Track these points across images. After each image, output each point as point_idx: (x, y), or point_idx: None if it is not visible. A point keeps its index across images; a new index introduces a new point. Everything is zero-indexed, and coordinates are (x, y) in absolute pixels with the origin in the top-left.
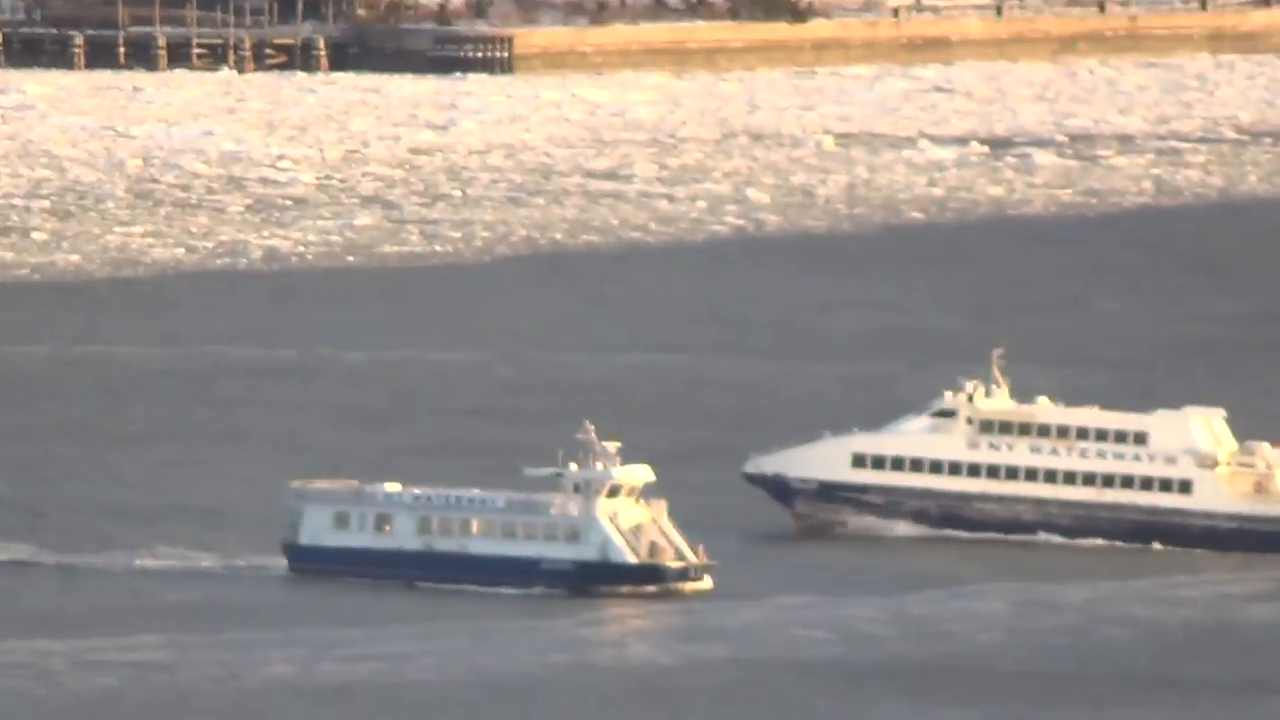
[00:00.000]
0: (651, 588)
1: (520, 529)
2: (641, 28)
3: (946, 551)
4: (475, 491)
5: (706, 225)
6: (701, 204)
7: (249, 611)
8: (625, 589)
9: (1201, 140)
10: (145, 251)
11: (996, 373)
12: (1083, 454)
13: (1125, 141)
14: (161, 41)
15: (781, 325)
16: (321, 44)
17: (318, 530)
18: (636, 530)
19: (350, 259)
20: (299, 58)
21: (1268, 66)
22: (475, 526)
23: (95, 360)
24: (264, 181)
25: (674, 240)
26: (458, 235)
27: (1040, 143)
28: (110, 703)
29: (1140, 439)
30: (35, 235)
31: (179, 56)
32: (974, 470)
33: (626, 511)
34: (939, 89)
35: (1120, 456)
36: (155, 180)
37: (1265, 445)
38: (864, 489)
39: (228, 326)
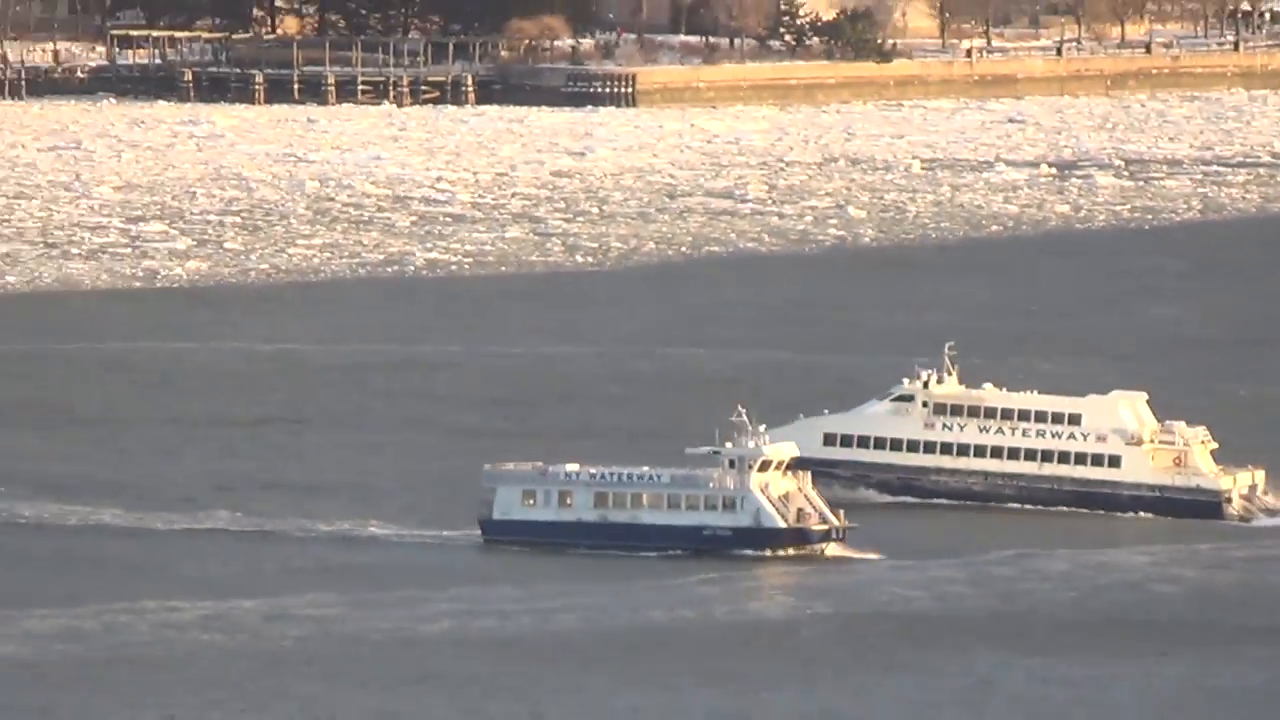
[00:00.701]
0: (799, 549)
1: (684, 500)
2: (748, 66)
3: (992, 521)
4: (643, 469)
5: (812, 237)
6: (807, 219)
7: (426, 573)
8: (776, 551)
9: (1240, 164)
10: (325, 261)
11: (948, 363)
12: (1024, 433)
13: (1174, 165)
14: (331, 79)
15: (875, 323)
16: (469, 81)
17: (508, 506)
18: (785, 498)
19: (502, 268)
20: (450, 93)
21: None
22: (645, 499)
23: (282, 356)
24: (425, 200)
25: (783, 250)
26: (595, 246)
27: (1101, 166)
28: (293, 652)
29: (1075, 420)
30: (228, 246)
31: (346, 92)
32: (929, 448)
33: (776, 483)
34: (1011, 120)
35: (1057, 435)
36: (331, 199)
37: (1182, 424)
38: (833, 464)
39: (398, 326)
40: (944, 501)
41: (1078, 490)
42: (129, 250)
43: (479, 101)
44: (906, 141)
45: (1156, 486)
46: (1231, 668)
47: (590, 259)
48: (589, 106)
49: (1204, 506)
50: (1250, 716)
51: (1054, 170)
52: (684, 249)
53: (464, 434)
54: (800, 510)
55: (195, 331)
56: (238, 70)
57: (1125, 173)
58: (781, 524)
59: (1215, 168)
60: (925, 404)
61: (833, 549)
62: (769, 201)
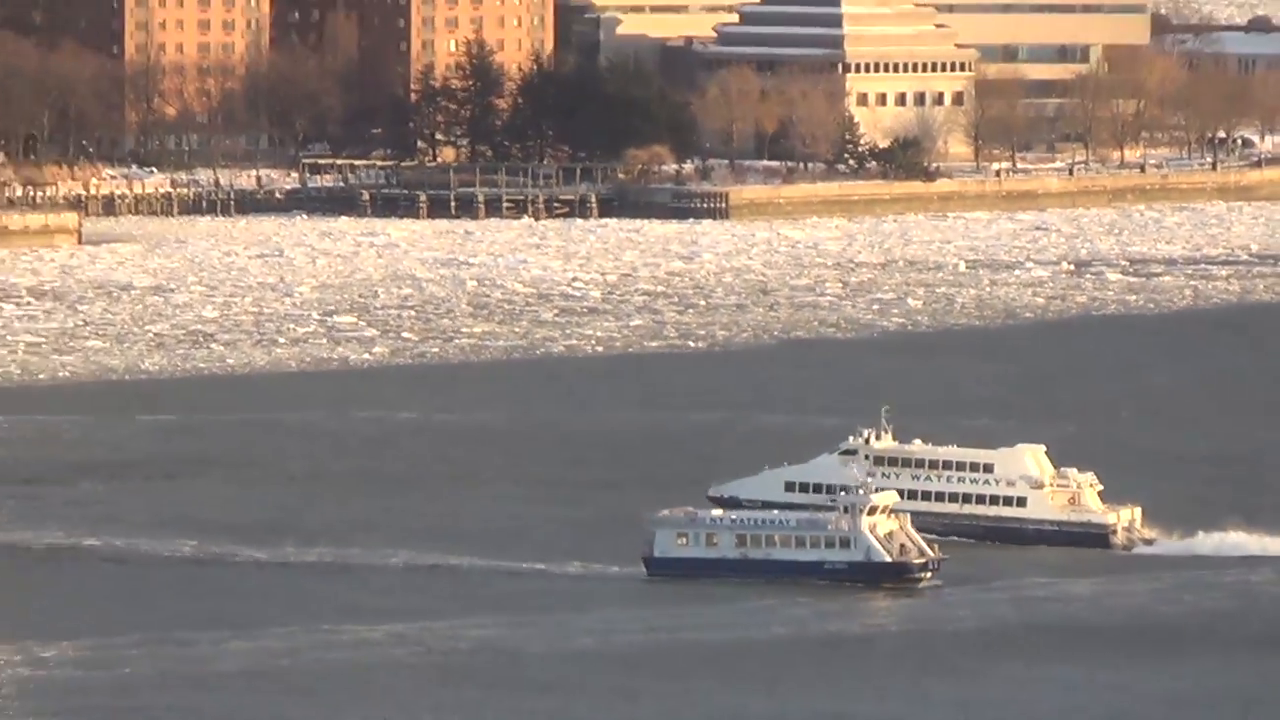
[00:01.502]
0: (902, 580)
1: (808, 540)
2: (819, 185)
3: (990, 555)
4: (774, 514)
5: (877, 324)
6: (874, 308)
7: (589, 599)
8: (884, 583)
9: (1223, 262)
10: (484, 347)
11: (884, 423)
12: (947, 479)
13: (1169, 263)
14: (481, 198)
15: (928, 395)
16: (594, 198)
17: (666, 545)
18: (889, 537)
19: (629, 350)
20: (578, 208)
21: (1264, 210)
22: (777, 539)
23: (450, 424)
24: (564, 296)
25: (855, 335)
26: (703, 333)
27: (1109, 264)
28: (455, 664)
29: (988, 468)
30: (405, 335)
31: (493, 209)
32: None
33: (882, 524)
34: (1035, 227)
35: (974, 481)
36: (487, 296)
37: (1074, 470)
38: (793, 506)
39: (543, 399)
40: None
41: (991, 526)
42: (325, 338)
43: (601, 215)
44: (952, 245)
45: (1055, 522)
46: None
47: (699, 343)
48: (691, 219)
49: (1095, 538)
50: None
51: (1072, 268)
52: (775, 334)
53: (603, 486)
54: (902, 546)
55: (379, 404)
56: (405, 191)
57: (1130, 270)
58: (888, 559)
59: (1202, 265)
60: (867, 456)
61: (929, 579)
62: (843, 295)
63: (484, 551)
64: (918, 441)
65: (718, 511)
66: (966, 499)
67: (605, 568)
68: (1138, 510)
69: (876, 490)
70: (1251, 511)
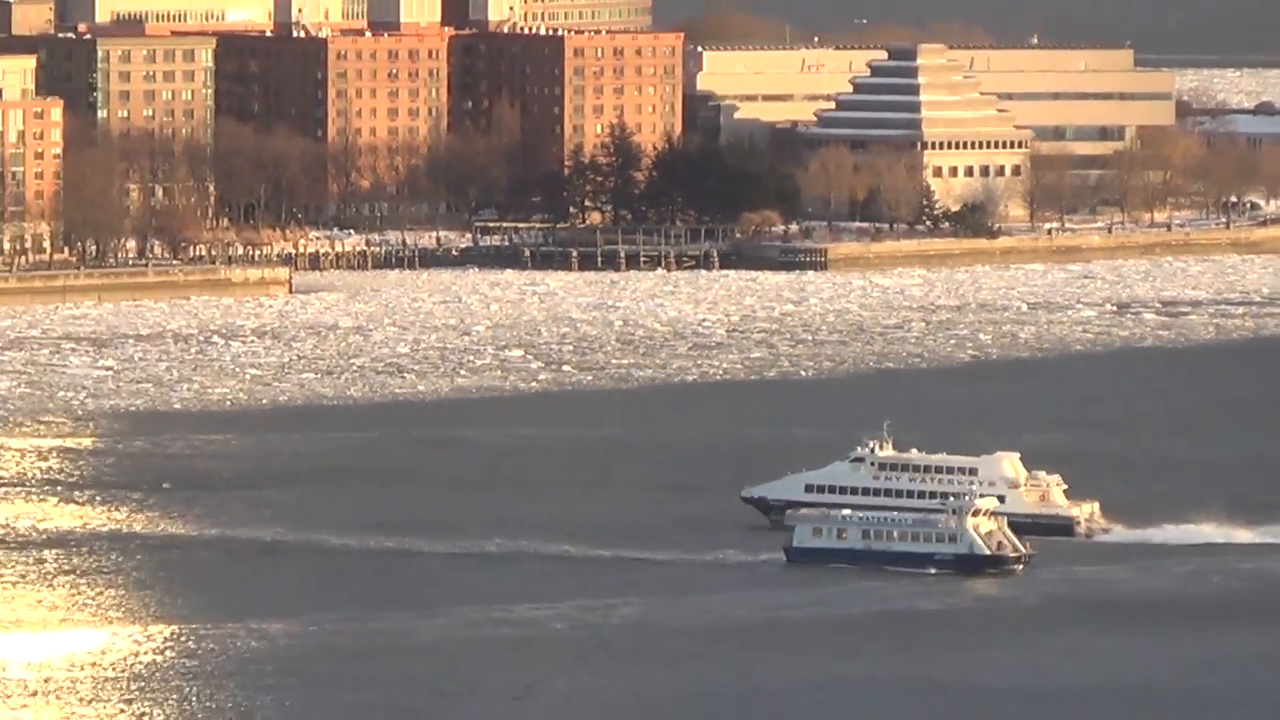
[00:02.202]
0: (999, 571)
1: (921, 536)
2: (902, 242)
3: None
4: (894, 513)
5: (955, 355)
6: (951, 343)
7: (726, 582)
8: (983, 572)
9: (1240, 303)
10: (633, 374)
11: (886, 435)
12: (939, 481)
13: (1196, 304)
14: (622, 254)
15: (989, 412)
16: (716, 254)
17: (803, 538)
18: (989, 535)
19: (752, 378)
20: (703, 262)
21: (1271, 261)
22: (896, 535)
23: (600, 439)
24: (696, 334)
25: (936, 364)
26: (811, 364)
27: (1145, 305)
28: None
29: (973, 471)
30: (565, 367)
31: (633, 262)
32: (878, 492)
33: (983, 524)
34: (1084, 276)
35: (962, 482)
36: (631, 334)
37: (1043, 473)
38: (811, 504)
39: (680, 419)
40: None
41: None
42: (498, 369)
43: (722, 268)
44: (1014, 291)
45: (1029, 515)
46: None
47: (808, 372)
48: (796, 271)
49: (1061, 529)
50: None
51: (1114, 309)
52: (869, 363)
53: (730, 488)
54: (999, 542)
55: (545, 423)
56: (560, 248)
57: (1162, 310)
58: (986, 552)
59: (1222, 306)
60: (873, 463)
61: (1021, 570)
62: (925, 332)
63: (633, 544)
64: (915, 450)
65: (847, 511)
66: (956, 497)
67: (749, 556)
68: (1096, 505)
69: (980, 496)
70: (1227, 506)
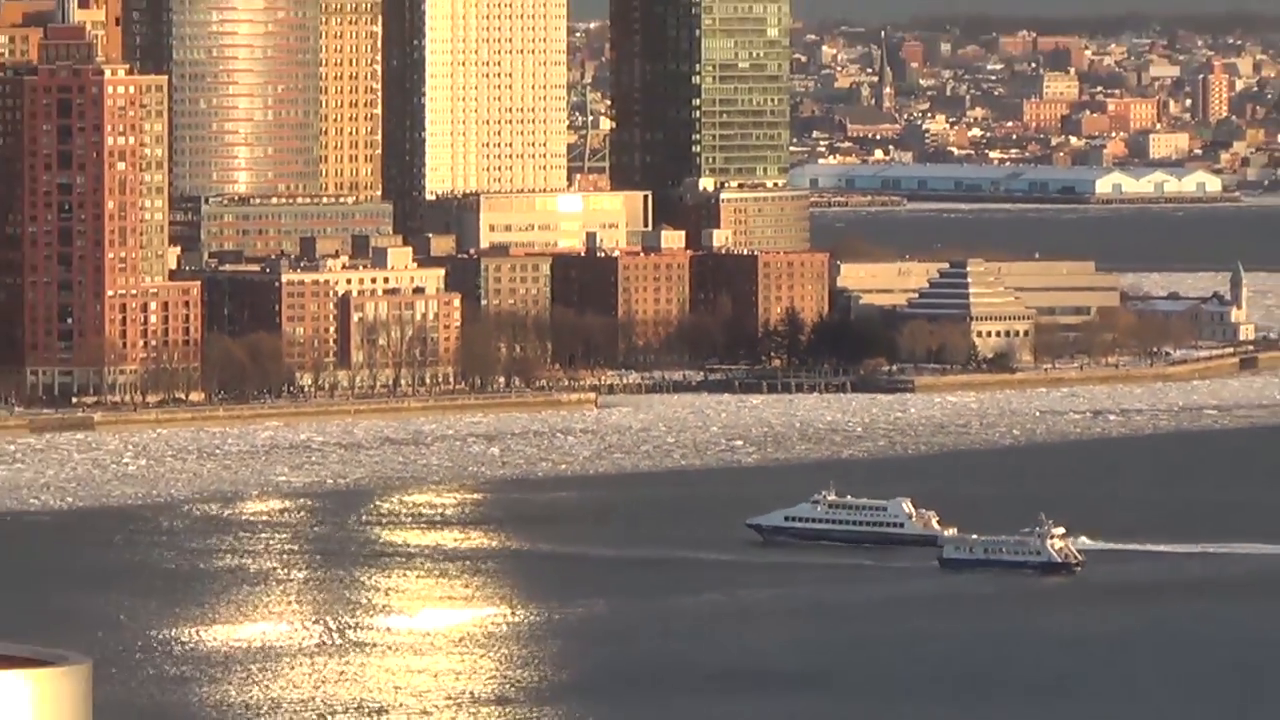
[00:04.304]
0: (1068, 574)
1: (1021, 551)
2: (959, 377)
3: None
4: (1003, 536)
5: (999, 440)
6: (997, 433)
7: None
8: (1056, 574)
9: (1164, 411)
10: (809, 455)
11: (831, 488)
12: (863, 513)
13: (1139, 411)
14: (794, 384)
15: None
16: (849, 383)
17: (950, 553)
18: (1060, 550)
19: (863, 456)
20: (842, 389)
21: (1183, 385)
22: (1004, 550)
23: None
24: (844, 429)
25: (981, 446)
26: (913, 449)
27: (1110, 413)
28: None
29: (882, 509)
30: (768, 450)
31: (800, 389)
32: (828, 521)
33: (1057, 543)
34: (1070, 396)
35: (876, 515)
36: (806, 431)
37: (925, 511)
38: (790, 531)
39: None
40: (836, 541)
41: (886, 534)
42: (729, 451)
43: (853, 392)
44: (1029, 406)
45: (916, 535)
46: None
47: (910, 452)
48: (898, 393)
49: (932, 541)
50: None
51: (1090, 414)
52: (938, 448)
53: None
54: (1066, 554)
55: (766, 480)
56: (756, 380)
57: (1120, 415)
58: (1059, 560)
59: (1155, 412)
60: (822, 504)
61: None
62: (978, 430)
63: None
64: (849, 496)
65: (975, 535)
66: (873, 524)
67: (903, 564)
68: (955, 528)
69: (1054, 530)
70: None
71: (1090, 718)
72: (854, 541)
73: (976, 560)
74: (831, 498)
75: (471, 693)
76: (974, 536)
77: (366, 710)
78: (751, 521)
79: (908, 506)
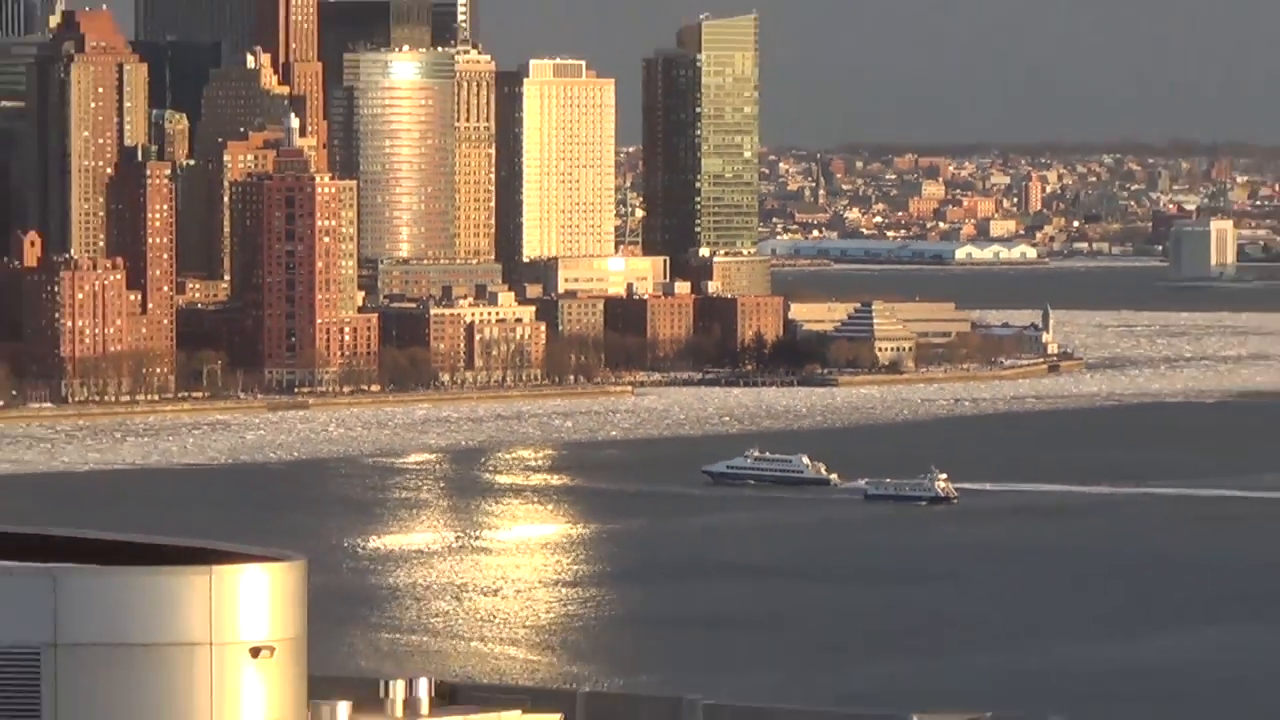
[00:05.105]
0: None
1: (916, 489)
2: (868, 376)
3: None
4: (906, 480)
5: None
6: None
7: None
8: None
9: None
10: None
11: (756, 449)
12: (775, 464)
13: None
14: (758, 382)
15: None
16: (796, 381)
17: (874, 490)
18: (943, 489)
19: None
20: (791, 384)
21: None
22: (907, 489)
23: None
24: (796, 412)
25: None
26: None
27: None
28: None
29: (789, 460)
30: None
31: (762, 384)
32: (756, 469)
33: (941, 484)
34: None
35: (785, 465)
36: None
37: (820, 463)
38: (728, 475)
39: None
40: (759, 482)
41: (794, 478)
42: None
43: (799, 385)
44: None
45: (813, 479)
46: None
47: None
48: (827, 386)
49: (822, 483)
50: None
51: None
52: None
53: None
54: (946, 491)
55: None
56: (736, 380)
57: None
58: (943, 496)
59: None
60: (750, 458)
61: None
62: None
63: None
64: (768, 453)
65: (889, 479)
66: (782, 470)
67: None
68: (836, 475)
69: (939, 475)
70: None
71: (969, 596)
72: (770, 482)
73: (890, 495)
74: (755, 454)
75: (552, 578)
76: (888, 480)
77: (485, 590)
78: (705, 469)
79: (805, 460)
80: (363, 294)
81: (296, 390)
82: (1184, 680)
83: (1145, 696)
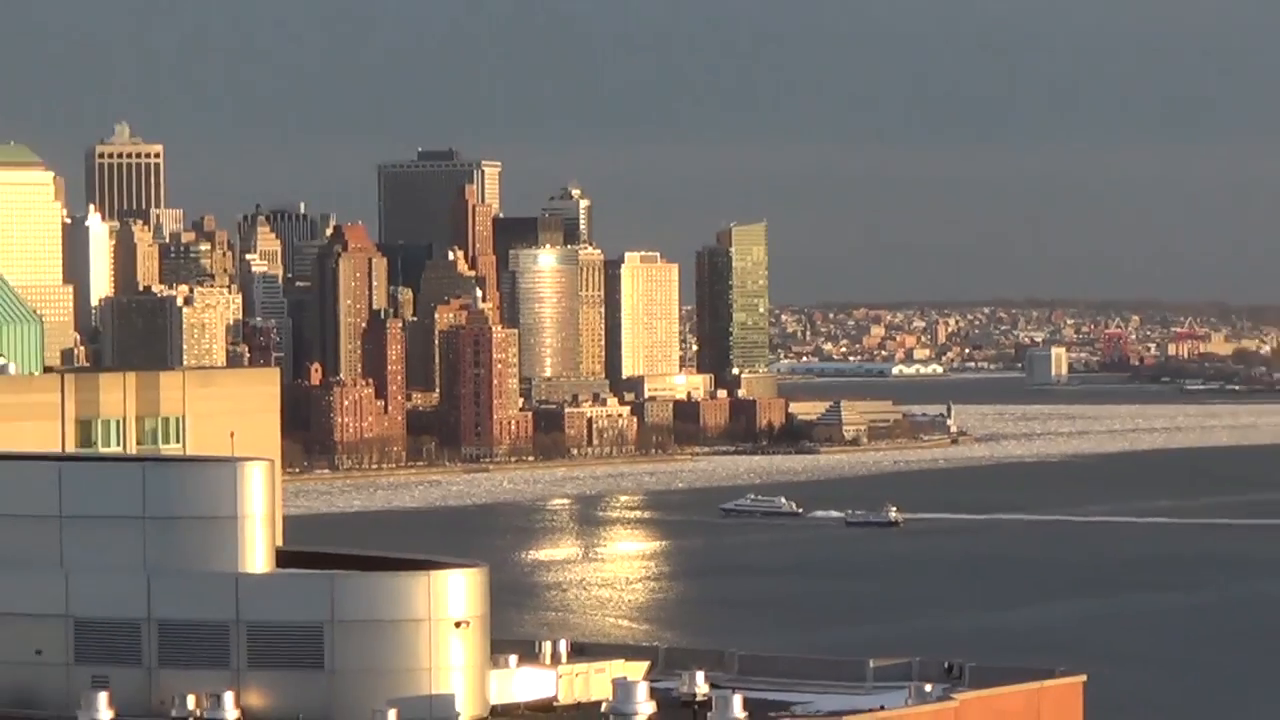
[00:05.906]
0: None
1: (878, 518)
2: (838, 447)
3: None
4: (870, 512)
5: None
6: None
7: None
8: (893, 528)
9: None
10: None
11: (756, 494)
12: (768, 504)
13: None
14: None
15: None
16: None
17: (853, 518)
18: (895, 517)
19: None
20: None
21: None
22: (871, 518)
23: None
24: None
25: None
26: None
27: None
28: None
29: (771, 501)
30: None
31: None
32: (756, 506)
33: (894, 513)
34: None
35: (772, 504)
36: None
37: (793, 501)
38: (734, 511)
39: None
40: (754, 516)
41: (773, 513)
42: None
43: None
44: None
45: (789, 512)
46: None
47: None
48: (809, 454)
49: (793, 515)
50: None
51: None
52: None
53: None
54: (897, 518)
55: None
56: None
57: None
58: (895, 521)
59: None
60: (752, 499)
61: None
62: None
63: None
64: (760, 497)
65: (861, 511)
66: (768, 508)
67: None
68: (802, 508)
69: (891, 508)
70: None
71: (919, 592)
72: (761, 515)
73: (861, 521)
74: (753, 497)
75: (640, 575)
76: (860, 511)
77: (601, 584)
78: (721, 506)
79: (783, 499)
80: (522, 399)
81: (481, 460)
82: (1044, 635)
83: (1016, 646)
